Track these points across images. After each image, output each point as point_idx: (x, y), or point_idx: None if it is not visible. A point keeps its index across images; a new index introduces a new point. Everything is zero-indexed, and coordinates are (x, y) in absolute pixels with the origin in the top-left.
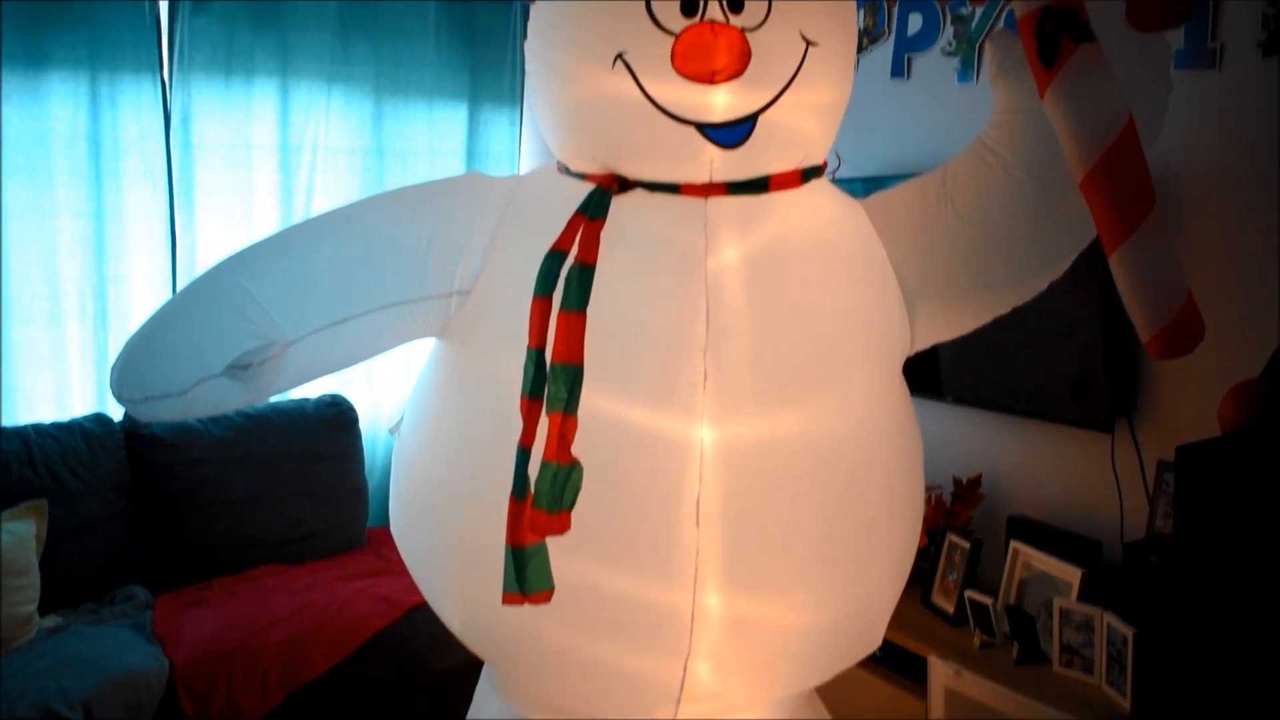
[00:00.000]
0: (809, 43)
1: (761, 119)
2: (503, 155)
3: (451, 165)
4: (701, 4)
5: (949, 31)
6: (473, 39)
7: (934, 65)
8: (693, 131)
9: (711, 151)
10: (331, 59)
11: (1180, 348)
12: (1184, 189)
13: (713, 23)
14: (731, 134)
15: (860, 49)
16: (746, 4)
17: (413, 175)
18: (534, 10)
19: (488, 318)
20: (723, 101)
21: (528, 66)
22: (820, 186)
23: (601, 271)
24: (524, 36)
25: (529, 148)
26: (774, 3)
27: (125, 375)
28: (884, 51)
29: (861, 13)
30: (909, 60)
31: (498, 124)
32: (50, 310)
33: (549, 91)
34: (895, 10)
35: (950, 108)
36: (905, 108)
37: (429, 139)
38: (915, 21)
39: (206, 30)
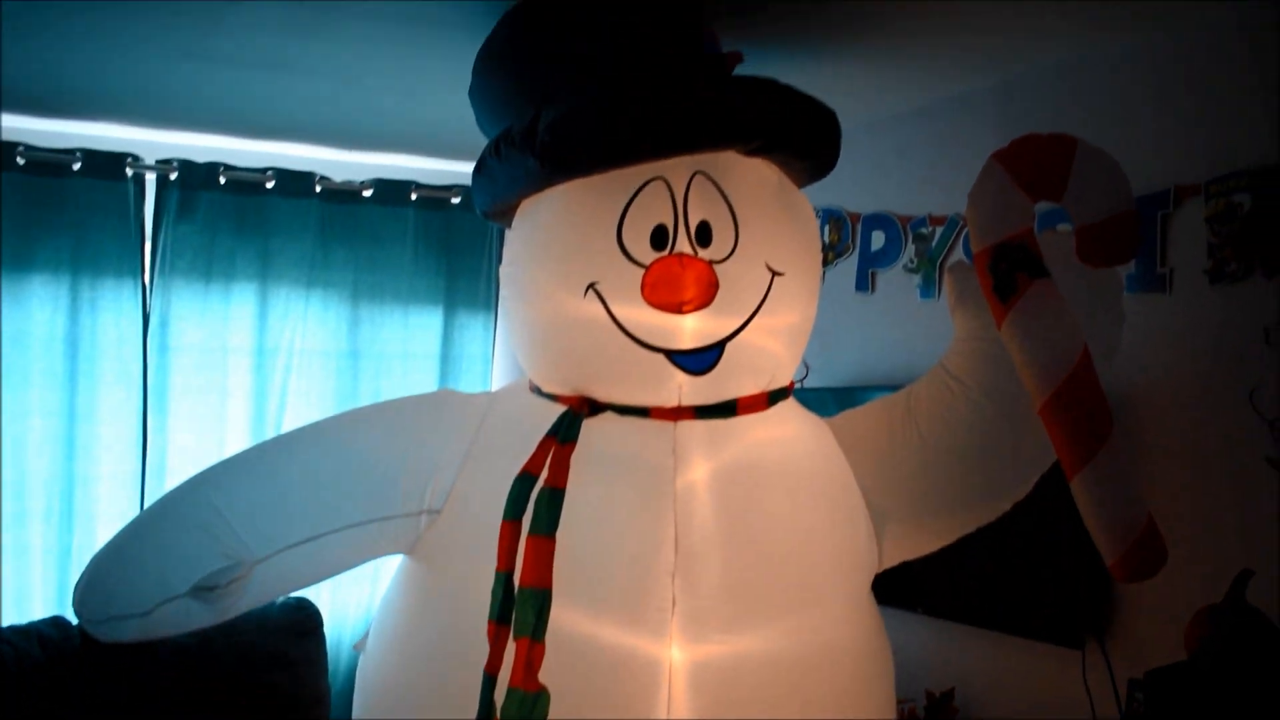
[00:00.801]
0: (774, 273)
1: (729, 345)
2: (477, 358)
3: (426, 368)
4: (671, 238)
5: (910, 249)
6: (450, 246)
7: (897, 281)
8: (662, 358)
9: (680, 377)
10: (311, 264)
11: (1144, 570)
12: (1140, 410)
13: (681, 256)
14: (700, 360)
15: (826, 263)
16: (714, 238)
17: (388, 378)
18: (509, 236)
19: (457, 538)
20: (691, 329)
21: (501, 290)
22: (787, 407)
23: (571, 492)
24: (499, 249)
25: (502, 352)
26: (740, 237)
27: (89, 595)
28: (849, 266)
29: (826, 229)
30: (873, 275)
31: (473, 328)
32: (16, 510)
33: (522, 315)
34: (859, 228)
35: (914, 321)
36: (871, 320)
37: (404, 343)
38: (878, 239)
39: (189, 237)
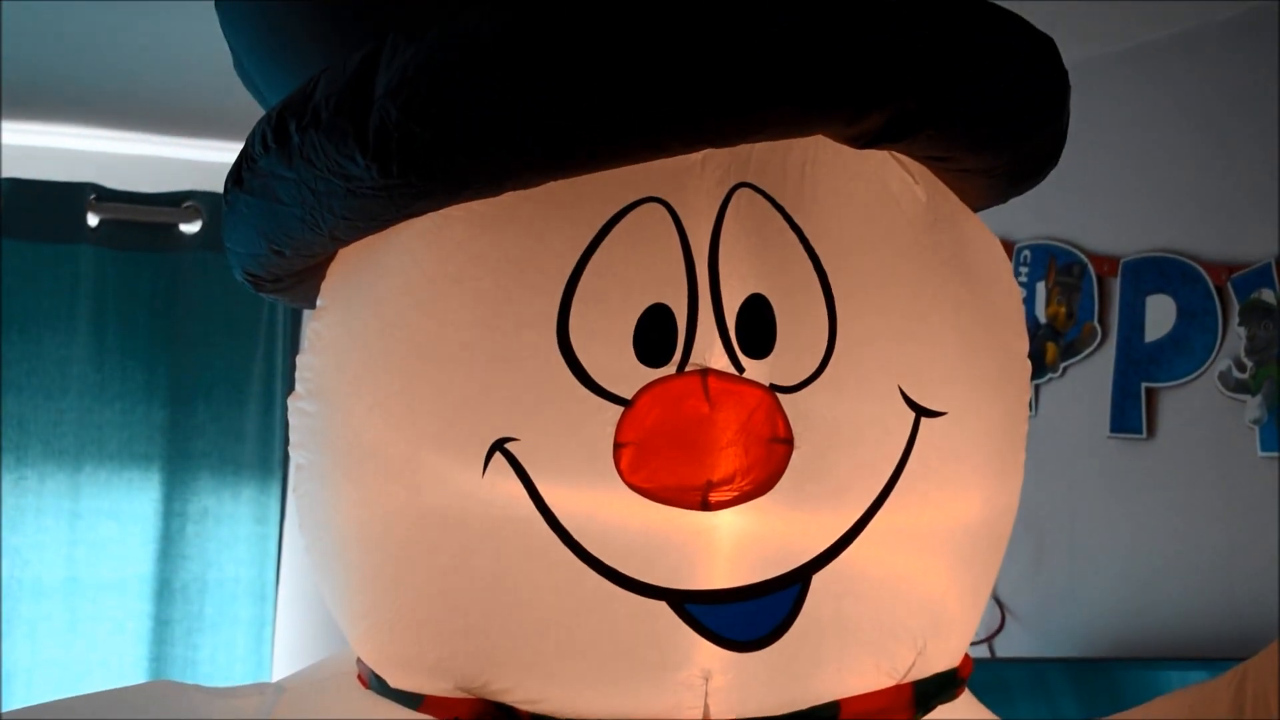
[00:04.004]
0: (921, 410)
1: (818, 578)
2: (239, 587)
3: (123, 607)
4: (683, 334)
5: (1237, 335)
6: (176, 333)
7: (1205, 408)
8: (664, 609)
9: (707, 653)
10: None
11: None
12: None
13: (708, 373)
14: (751, 616)
15: (1043, 374)
16: (781, 333)
17: (23, 628)
18: (312, 327)
19: None
20: (730, 545)
21: (295, 444)
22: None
23: None
24: (290, 351)
25: (298, 576)
26: (840, 330)
27: None
28: (1094, 375)
29: (1042, 293)
30: (1150, 397)
31: (230, 521)
32: None
33: (343, 504)
34: (1117, 286)
35: (1245, 503)
36: (1143, 499)
37: (70, 548)
38: (1159, 312)
39: None
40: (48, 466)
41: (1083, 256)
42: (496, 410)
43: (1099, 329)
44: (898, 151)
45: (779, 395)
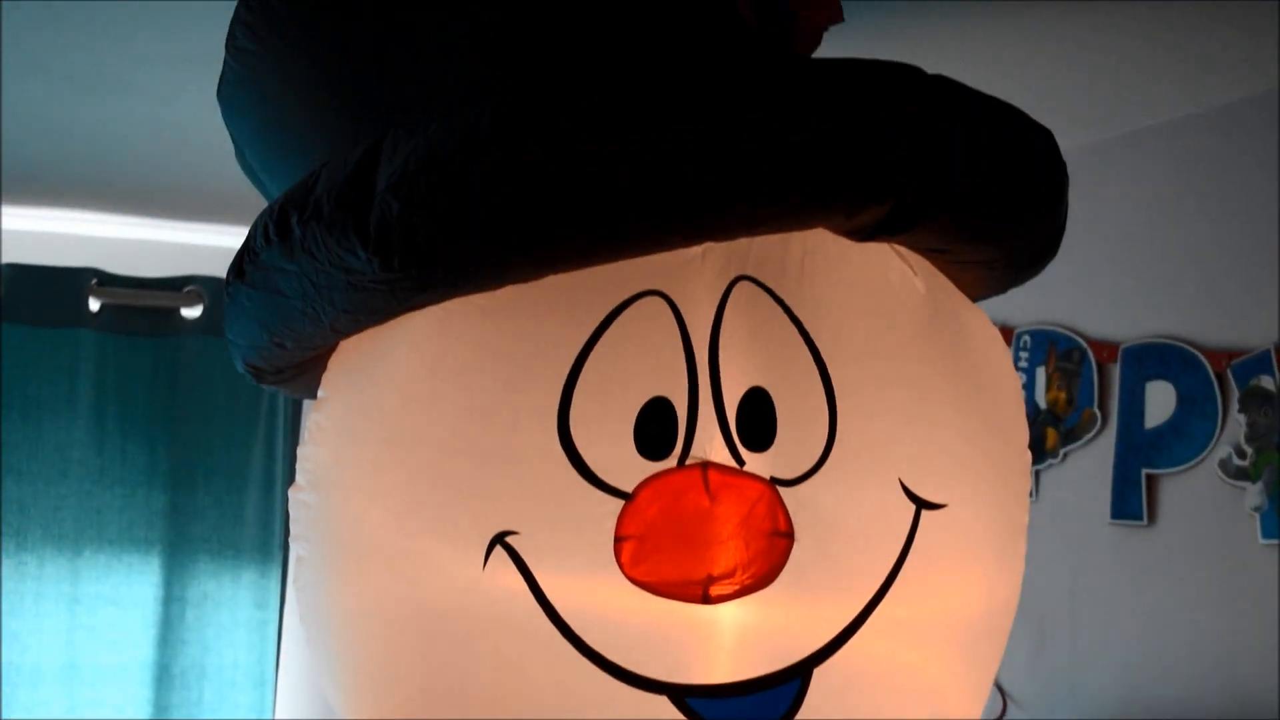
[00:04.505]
0: (921, 502)
1: (819, 672)
2: (239, 674)
3: (121, 690)
4: (684, 427)
5: (1237, 423)
6: (177, 415)
7: (1206, 496)
8: (664, 703)
9: None
10: None
11: None
12: None
13: (709, 466)
14: (752, 711)
15: (1043, 460)
16: (781, 426)
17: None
18: (312, 418)
19: None
20: (732, 640)
21: (296, 536)
22: None
23: None
24: (291, 441)
25: (296, 666)
26: (841, 422)
27: None
28: (1095, 462)
29: (1042, 378)
30: (1150, 484)
31: (230, 606)
32: None
33: (343, 598)
34: (1117, 372)
35: (1248, 593)
36: (1147, 587)
37: (69, 634)
38: (1159, 398)
39: None
40: (47, 551)
41: (1082, 342)
42: (497, 503)
43: (1099, 415)
44: (897, 244)
45: (780, 488)
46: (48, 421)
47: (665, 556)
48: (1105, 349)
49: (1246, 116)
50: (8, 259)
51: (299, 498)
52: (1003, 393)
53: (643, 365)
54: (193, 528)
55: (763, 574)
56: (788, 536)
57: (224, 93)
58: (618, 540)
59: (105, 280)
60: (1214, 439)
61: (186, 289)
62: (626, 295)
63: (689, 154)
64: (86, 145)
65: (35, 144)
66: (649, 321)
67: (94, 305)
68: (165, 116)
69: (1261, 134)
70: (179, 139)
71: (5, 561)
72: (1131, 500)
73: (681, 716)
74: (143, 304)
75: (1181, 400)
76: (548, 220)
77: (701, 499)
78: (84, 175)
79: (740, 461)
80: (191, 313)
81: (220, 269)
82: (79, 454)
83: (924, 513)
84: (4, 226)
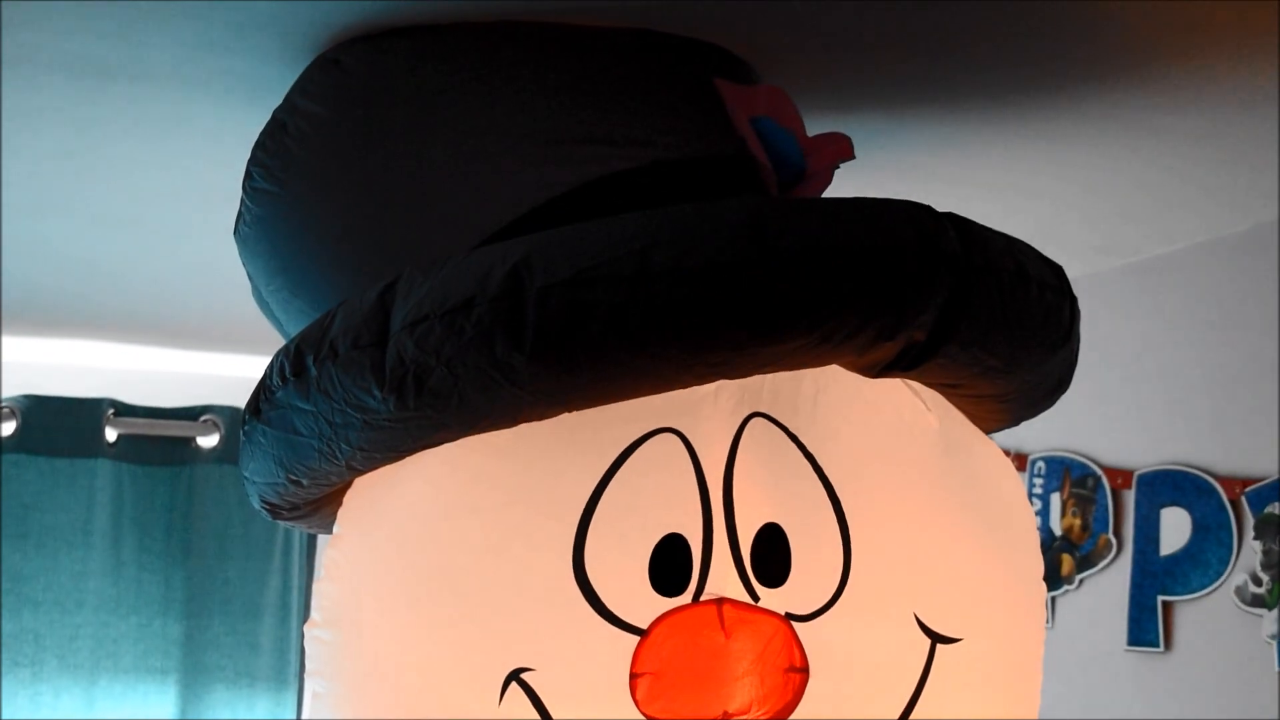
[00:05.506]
0: (936, 636)
1: None
2: None
3: None
4: (699, 564)
5: (1253, 549)
6: (191, 549)
7: (1223, 623)
8: None
9: None
10: None
11: None
12: None
13: (724, 602)
14: None
15: (1058, 588)
16: (796, 562)
17: None
18: (328, 555)
19: None
20: None
21: (311, 672)
22: None
23: None
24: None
25: None
26: (855, 559)
27: None
28: (1109, 589)
29: (1057, 505)
30: (1166, 612)
31: None
32: None
33: None
34: (1132, 498)
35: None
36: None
37: None
38: (1174, 525)
39: None
40: (63, 681)
41: (1097, 469)
42: (513, 640)
43: (1114, 541)
44: (910, 379)
45: (795, 624)
46: (63, 551)
47: (681, 693)
48: (1120, 475)
49: (1255, 246)
50: (25, 389)
51: (315, 634)
52: (1016, 525)
53: (657, 502)
54: (208, 656)
55: (778, 710)
56: (803, 672)
57: (240, 232)
58: (633, 677)
59: (122, 410)
60: (1229, 566)
61: (203, 418)
62: (640, 432)
63: (697, 293)
64: (105, 278)
65: (56, 278)
66: (663, 458)
67: (110, 435)
68: (182, 251)
69: (1271, 263)
70: (194, 272)
71: (21, 692)
72: (1148, 627)
73: None
74: (159, 434)
75: (1196, 527)
76: (563, 362)
77: (717, 635)
78: (101, 307)
79: (755, 597)
80: (207, 442)
81: (235, 398)
82: (94, 583)
83: (939, 646)
84: (22, 358)
